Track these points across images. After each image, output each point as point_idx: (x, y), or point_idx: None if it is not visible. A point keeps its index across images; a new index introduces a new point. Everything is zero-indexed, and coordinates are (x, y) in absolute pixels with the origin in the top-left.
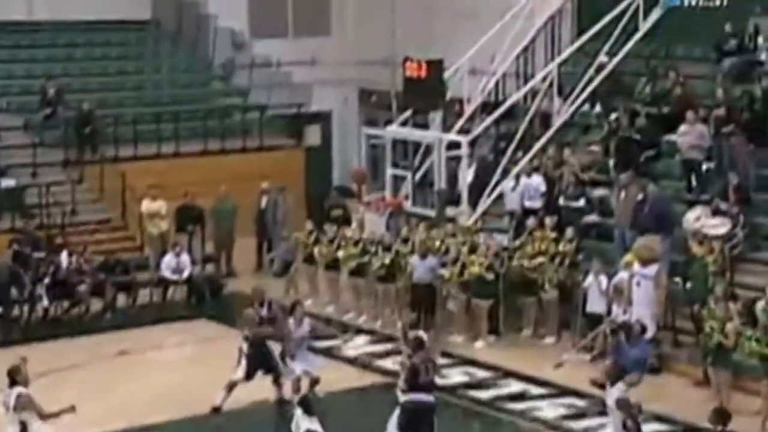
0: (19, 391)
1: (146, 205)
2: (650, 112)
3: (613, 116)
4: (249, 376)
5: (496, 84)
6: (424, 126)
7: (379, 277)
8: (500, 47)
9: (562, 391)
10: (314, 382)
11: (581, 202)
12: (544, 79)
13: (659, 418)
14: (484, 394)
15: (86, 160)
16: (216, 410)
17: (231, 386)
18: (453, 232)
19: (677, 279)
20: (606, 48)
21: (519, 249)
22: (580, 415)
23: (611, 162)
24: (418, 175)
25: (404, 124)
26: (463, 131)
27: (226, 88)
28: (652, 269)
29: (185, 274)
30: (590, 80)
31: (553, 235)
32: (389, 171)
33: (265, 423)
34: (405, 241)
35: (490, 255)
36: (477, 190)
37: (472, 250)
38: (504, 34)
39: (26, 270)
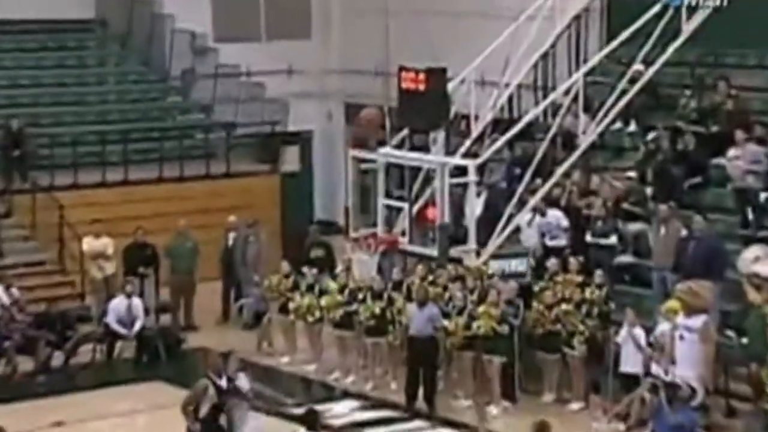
0: None
1: (88, 244)
2: (696, 131)
3: (650, 136)
4: None
5: (510, 98)
6: (424, 148)
7: (369, 330)
8: (514, 54)
9: None
10: None
11: (612, 240)
12: (567, 91)
13: None
14: None
15: (15, 189)
16: None
17: None
18: (458, 275)
19: (730, 332)
20: (642, 55)
21: (538, 295)
22: None
23: (649, 191)
24: (416, 207)
25: (400, 145)
26: (471, 154)
27: (186, 102)
28: (699, 320)
29: (137, 325)
30: (623, 93)
31: (579, 279)
32: (382, 202)
33: None
34: (400, 285)
35: (503, 302)
36: (487, 224)
37: (482, 296)
38: (519, 39)
39: None
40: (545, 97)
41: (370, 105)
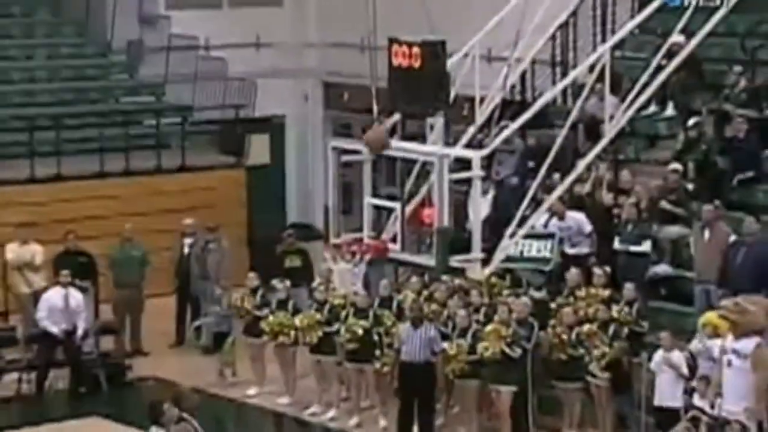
0: None
1: (13, 252)
2: (747, 116)
3: (692, 122)
4: None
5: (522, 76)
6: (419, 137)
7: (353, 354)
8: (528, 23)
9: None
10: None
11: (646, 247)
12: (591, 68)
13: None
14: None
15: None
16: None
17: None
18: (460, 289)
19: None
20: (681, 24)
21: (556, 314)
22: None
23: (689, 188)
24: (409, 208)
25: (390, 133)
26: (475, 144)
27: (132, 81)
28: (750, 343)
29: (80, 326)
30: (658, 70)
31: (606, 293)
32: (368, 201)
33: None
34: (390, 301)
35: (515, 322)
36: (495, 228)
37: (489, 315)
38: (533, 5)
39: None
40: (565, 75)
41: (353, 86)
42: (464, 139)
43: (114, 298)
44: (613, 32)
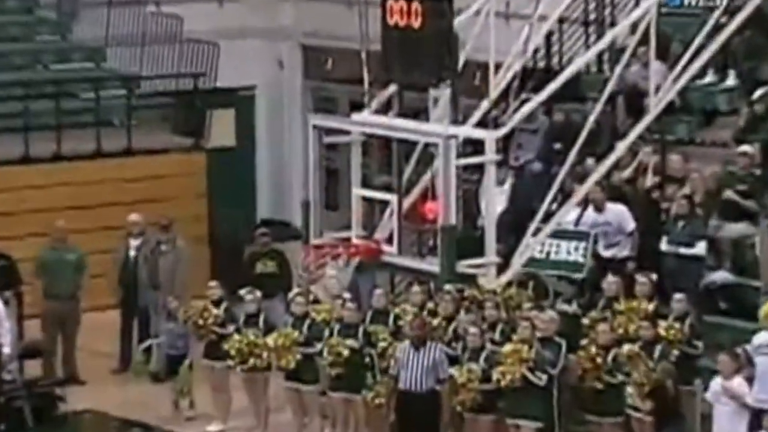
0: None
1: None
2: None
3: (758, 93)
4: None
5: (548, 38)
6: (420, 113)
7: (338, 381)
8: None
9: None
10: None
11: (700, 249)
12: (633, 28)
13: None
14: None
15: None
16: None
17: None
18: (471, 301)
19: None
20: None
21: (590, 331)
22: None
23: (757, 174)
24: (408, 201)
25: (385, 109)
26: (490, 122)
27: (64, 43)
28: None
29: (4, 343)
30: (716, 30)
31: (651, 306)
32: (358, 193)
33: None
34: (384, 316)
35: (538, 341)
36: (514, 226)
37: (506, 333)
38: None
39: None
40: (600, 37)
41: (339, 50)
42: (476, 116)
43: (42, 312)
44: None
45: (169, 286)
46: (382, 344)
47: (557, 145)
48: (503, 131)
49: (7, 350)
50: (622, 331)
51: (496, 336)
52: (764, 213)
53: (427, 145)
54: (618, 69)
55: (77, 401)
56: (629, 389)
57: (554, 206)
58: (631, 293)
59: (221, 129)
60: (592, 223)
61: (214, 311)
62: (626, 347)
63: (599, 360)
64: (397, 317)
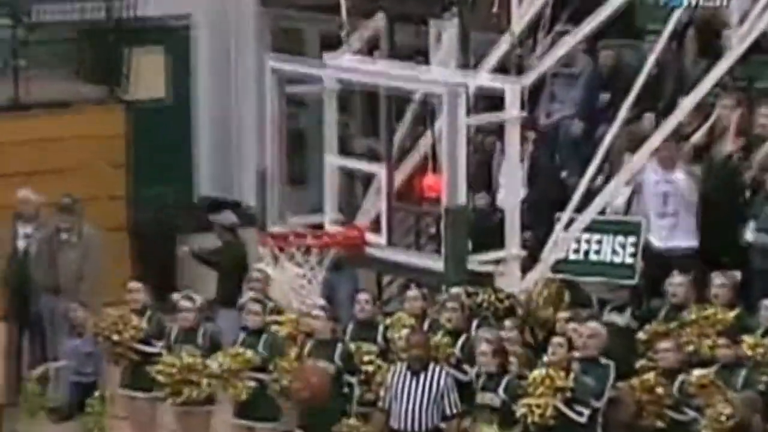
0: None
1: None
2: None
3: None
4: None
5: None
6: (417, 55)
7: (308, 418)
8: None
9: None
10: None
11: None
12: None
13: None
14: None
15: None
16: None
17: None
18: (489, 308)
19: None
20: None
21: (648, 350)
22: None
23: None
24: (400, 174)
25: (369, 49)
26: (512, 66)
27: None
28: None
29: None
30: None
31: (731, 315)
32: (332, 162)
33: None
34: (369, 329)
35: (577, 364)
36: (543, 206)
37: (535, 351)
38: None
39: None
40: None
41: None
42: (493, 58)
43: None
44: None
45: (73, 288)
46: (367, 367)
47: (604, 97)
48: (530, 79)
49: None
50: (692, 350)
51: (521, 354)
52: None
53: (426, 98)
54: None
55: None
56: (702, 428)
57: (598, 181)
58: (702, 298)
59: (146, 75)
60: (653, 185)
61: (136, 322)
62: (697, 372)
63: (660, 390)
64: (387, 330)
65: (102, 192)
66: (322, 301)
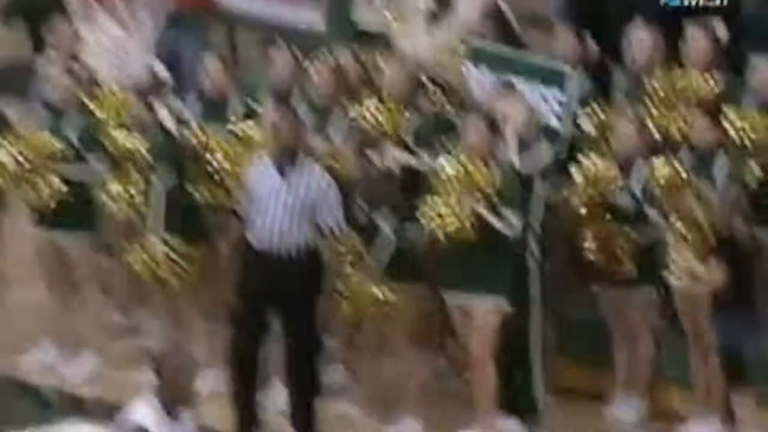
0: None
1: None
2: None
3: None
4: None
5: None
6: None
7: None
8: None
9: None
10: None
11: None
12: None
13: None
14: None
15: None
16: None
17: None
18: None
19: None
20: None
21: (597, 130)
22: None
23: None
24: None
25: None
26: None
27: None
28: None
29: None
30: None
31: (713, 83)
32: None
33: None
34: (217, 107)
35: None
36: None
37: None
38: None
39: None
40: None
41: None
42: None
43: None
44: None
45: None
46: (217, 159)
47: None
48: None
49: None
50: (656, 133)
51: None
52: None
53: None
54: None
55: None
56: (669, 238)
57: None
58: (676, 56)
59: None
60: None
61: None
62: (662, 164)
63: (611, 185)
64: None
65: None
66: (159, 66)
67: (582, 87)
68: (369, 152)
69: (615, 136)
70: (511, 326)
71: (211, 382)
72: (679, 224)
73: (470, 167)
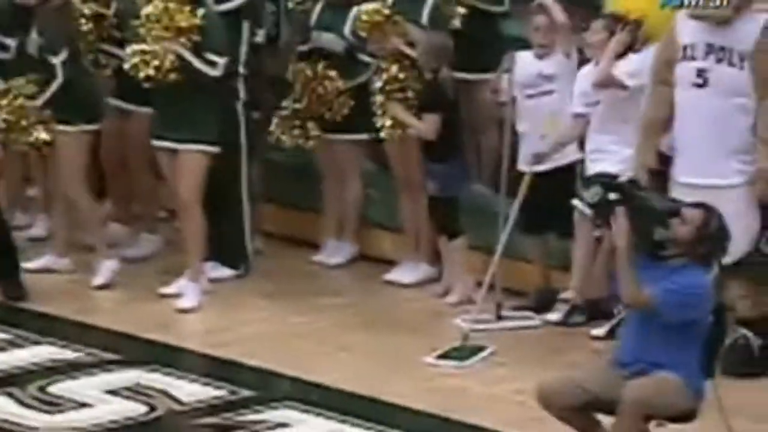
0: None
1: None
2: None
3: None
4: None
5: None
6: None
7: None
8: None
9: None
10: None
11: None
12: None
13: None
14: None
15: None
16: None
17: None
18: None
19: None
20: None
21: None
22: None
23: None
24: None
25: None
26: None
27: None
28: None
29: None
30: None
31: None
32: None
33: None
34: None
35: None
36: None
37: None
38: None
39: None
40: None
41: None
42: None
43: None
44: None
45: None
46: None
47: None
48: None
49: None
50: None
51: None
52: None
53: None
54: None
55: None
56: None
57: None
58: None
59: None
60: None
61: None
62: (371, 6)
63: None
64: None
65: None
66: None
67: None
68: None
69: None
70: (219, 173)
71: None
72: (385, 65)
73: (171, 6)
